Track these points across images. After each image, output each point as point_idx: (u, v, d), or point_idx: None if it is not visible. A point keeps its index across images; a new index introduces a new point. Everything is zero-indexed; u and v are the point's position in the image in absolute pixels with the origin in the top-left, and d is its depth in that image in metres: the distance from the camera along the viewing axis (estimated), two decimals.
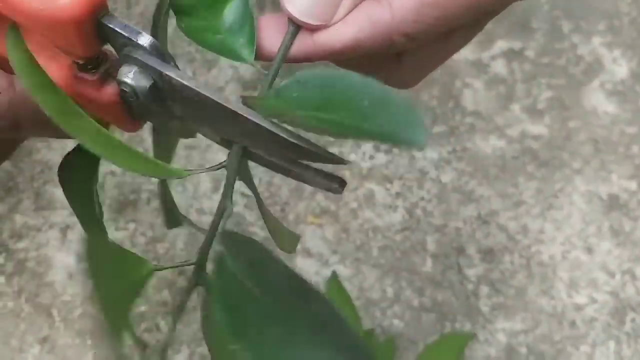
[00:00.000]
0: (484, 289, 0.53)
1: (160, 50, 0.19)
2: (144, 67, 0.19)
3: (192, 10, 0.22)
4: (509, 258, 0.54)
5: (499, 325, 0.51)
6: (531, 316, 0.49)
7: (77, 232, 0.52)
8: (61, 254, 0.52)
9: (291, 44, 0.21)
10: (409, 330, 0.51)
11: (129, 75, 0.19)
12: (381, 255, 0.53)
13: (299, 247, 0.54)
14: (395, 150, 0.57)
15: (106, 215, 0.23)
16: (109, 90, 0.20)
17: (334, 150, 0.57)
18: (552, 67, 0.59)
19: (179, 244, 0.53)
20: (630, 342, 0.49)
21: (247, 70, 0.60)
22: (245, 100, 0.19)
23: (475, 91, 0.59)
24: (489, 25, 0.68)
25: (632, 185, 0.56)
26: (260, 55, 0.22)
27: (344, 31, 0.21)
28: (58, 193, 0.52)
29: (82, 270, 0.50)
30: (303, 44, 0.21)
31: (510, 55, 0.60)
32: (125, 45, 0.19)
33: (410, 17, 0.20)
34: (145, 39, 0.18)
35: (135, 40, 0.18)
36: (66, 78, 0.20)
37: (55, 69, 0.20)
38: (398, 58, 0.23)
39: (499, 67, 0.60)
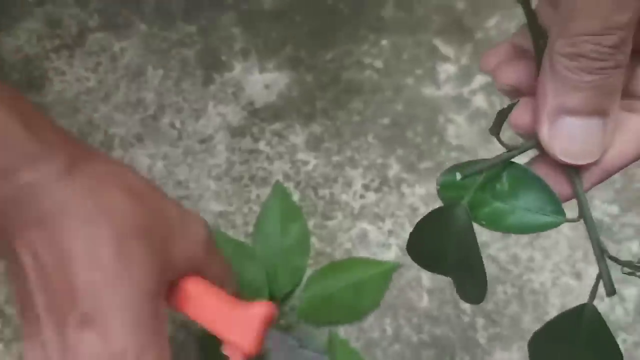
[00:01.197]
0: (480, 321, 0.54)
1: None
2: None
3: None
4: (502, 288, 0.55)
5: (497, 356, 0.53)
6: (527, 344, 0.51)
7: None
8: None
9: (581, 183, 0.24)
10: None
11: None
12: None
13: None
14: (385, 188, 0.59)
15: None
16: None
17: (324, 191, 0.59)
18: None
19: None
20: None
21: (235, 116, 0.62)
22: None
23: (458, 126, 0.61)
24: (466, 61, 0.70)
25: (614, 209, 0.58)
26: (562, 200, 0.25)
27: (626, 152, 0.23)
28: None
29: None
30: (593, 175, 0.24)
31: (489, 88, 0.62)
32: None
33: None
34: None
35: None
36: None
37: None
38: None
39: (480, 101, 0.62)
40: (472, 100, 0.62)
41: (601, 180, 0.24)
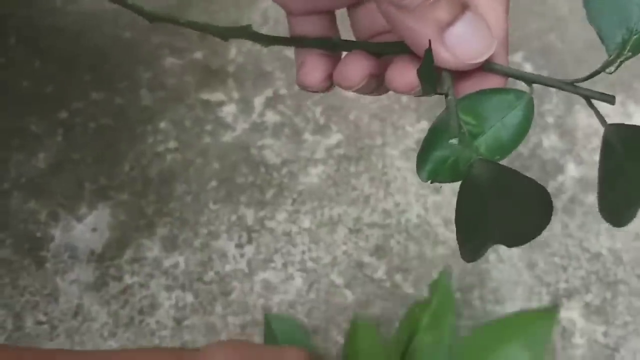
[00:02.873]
0: None
1: None
2: None
3: None
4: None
5: None
6: None
7: None
8: None
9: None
10: None
11: None
12: None
13: None
14: (254, 235, 0.60)
15: None
16: None
17: (209, 276, 0.59)
18: None
19: None
20: None
21: (85, 273, 0.60)
22: None
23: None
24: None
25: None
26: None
27: (499, 15, 0.24)
28: None
29: None
30: (500, 54, 0.25)
31: (272, 102, 0.67)
32: None
33: None
34: None
35: None
36: None
37: None
38: None
39: (271, 115, 0.66)
40: (266, 119, 0.66)
41: (507, 47, 0.25)
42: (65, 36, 0.70)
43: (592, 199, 0.60)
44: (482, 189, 0.22)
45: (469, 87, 0.25)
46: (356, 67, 0.26)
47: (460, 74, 0.24)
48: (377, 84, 0.27)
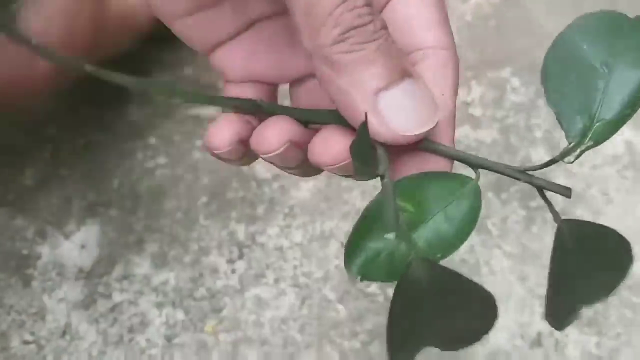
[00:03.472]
0: None
1: None
2: None
3: None
4: None
5: None
6: None
7: None
8: None
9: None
10: None
11: None
12: None
13: None
14: (246, 250, 0.60)
15: None
16: None
17: (199, 292, 0.58)
18: None
19: None
20: None
21: (74, 292, 0.59)
22: None
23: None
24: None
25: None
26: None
27: (448, 88, 0.22)
28: None
29: None
30: (443, 131, 0.21)
31: None
32: None
33: None
34: None
35: None
36: None
37: None
38: None
39: None
40: None
41: (453, 128, 0.22)
42: None
43: (581, 211, 0.61)
44: (419, 291, 0.18)
45: (410, 168, 0.21)
46: (276, 129, 0.22)
47: (400, 153, 0.21)
48: (300, 158, 0.23)
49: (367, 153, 0.19)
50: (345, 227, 0.61)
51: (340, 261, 0.59)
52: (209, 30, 0.24)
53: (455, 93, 0.22)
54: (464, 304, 0.19)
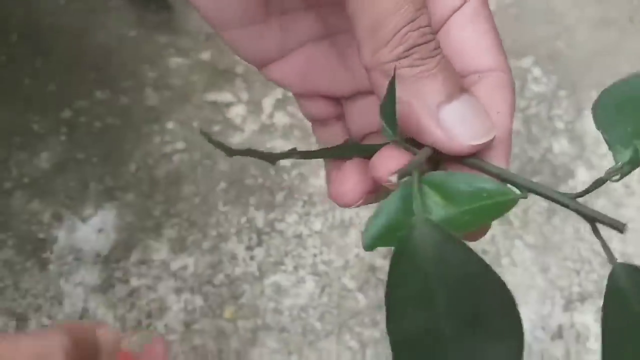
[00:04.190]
0: None
1: None
2: None
3: None
4: None
5: None
6: None
7: None
8: None
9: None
10: None
11: None
12: None
13: None
14: (265, 237, 0.60)
15: None
16: None
17: (218, 278, 0.58)
18: None
19: None
20: None
21: (92, 276, 0.58)
22: None
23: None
24: (247, 98, 0.71)
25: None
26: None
27: (506, 110, 0.22)
28: None
29: None
30: (499, 150, 0.22)
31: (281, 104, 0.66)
32: None
33: None
34: None
35: None
36: None
37: None
38: None
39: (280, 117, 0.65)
40: (276, 120, 0.65)
41: (509, 147, 0.22)
42: (69, 34, 0.69)
43: (602, 203, 0.60)
44: (422, 255, 0.17)
45: None
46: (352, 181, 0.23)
47: (451, 164, 0.22)
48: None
49: (393, 116, 0.20)
50: (365, 216, 0.60)
51: (360, 250, 0.59)
52: (257, 45, 0.25)
53: (512, 114, 0.22)
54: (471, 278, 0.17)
